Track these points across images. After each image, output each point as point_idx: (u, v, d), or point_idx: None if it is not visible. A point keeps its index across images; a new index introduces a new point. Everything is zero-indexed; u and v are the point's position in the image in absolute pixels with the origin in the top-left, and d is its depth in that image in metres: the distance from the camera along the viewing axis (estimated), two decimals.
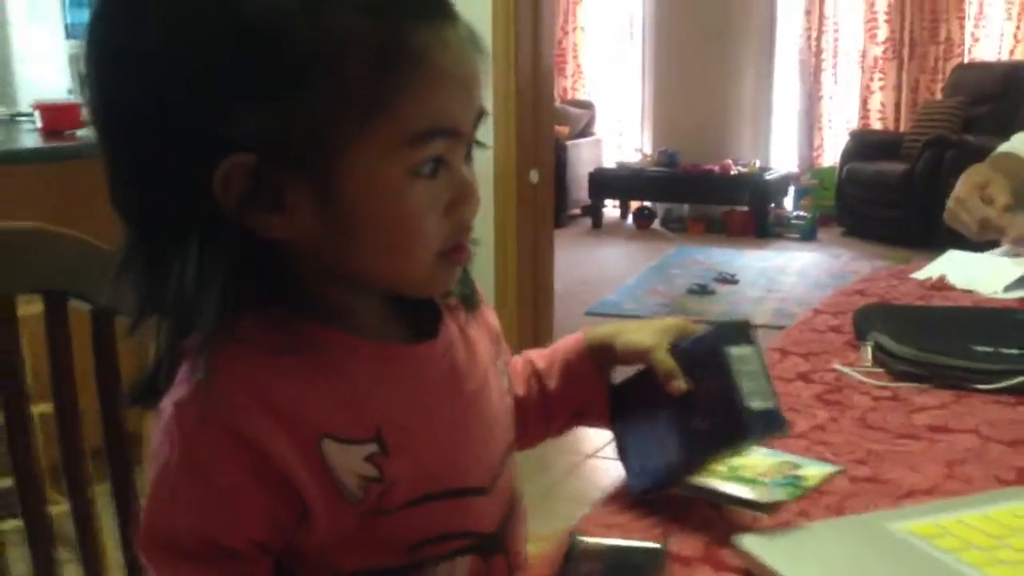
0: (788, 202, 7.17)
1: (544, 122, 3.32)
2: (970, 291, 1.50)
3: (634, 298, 4.97)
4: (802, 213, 6.87)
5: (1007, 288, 1.46)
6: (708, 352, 0.76)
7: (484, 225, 3.18)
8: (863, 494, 0.81)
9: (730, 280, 5.31)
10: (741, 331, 0.76)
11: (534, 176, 3.23)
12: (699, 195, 7.01)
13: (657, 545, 0.70)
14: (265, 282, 0.63)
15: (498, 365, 0.78)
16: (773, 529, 0.73)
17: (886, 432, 0.94)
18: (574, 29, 7.90)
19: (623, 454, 0.83)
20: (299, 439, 0.61)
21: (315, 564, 0.65)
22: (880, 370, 1.12)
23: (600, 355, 0.87)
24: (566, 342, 0.91)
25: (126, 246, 0.62)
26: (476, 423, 0.72)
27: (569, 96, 7.88)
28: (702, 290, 5.05)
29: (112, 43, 0.59)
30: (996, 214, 1.46)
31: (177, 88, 0.57)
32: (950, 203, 1.58)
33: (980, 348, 1.14)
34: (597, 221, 7.18)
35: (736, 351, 0.74)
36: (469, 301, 0.74)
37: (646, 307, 4.74)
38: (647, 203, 7.27)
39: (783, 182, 7.06)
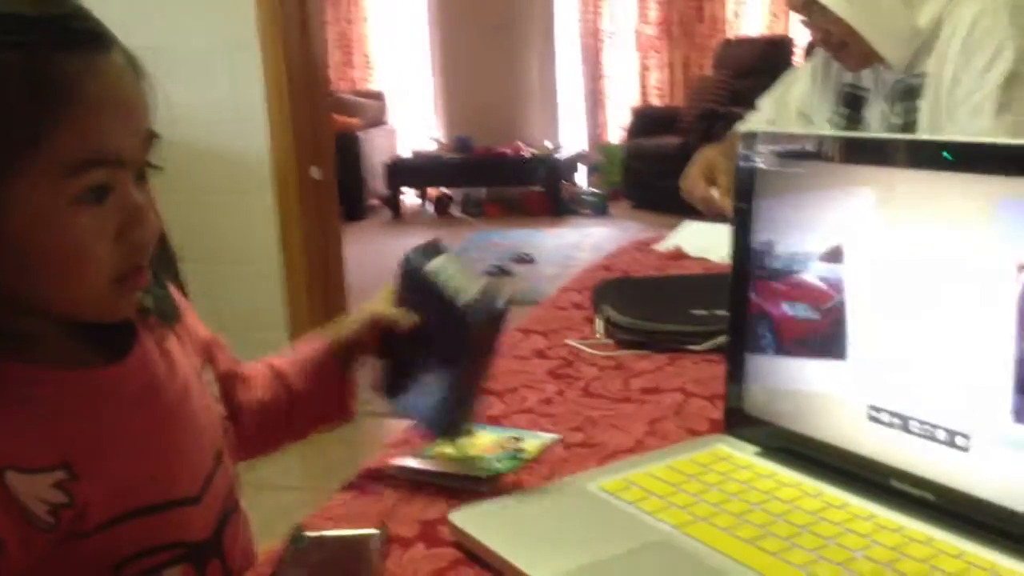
0: (580, 179, 7.43)
1: (321, 117, 3.29)
2: (703, 259, 1.64)
3: None
4: (594, 190, 7.14)
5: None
6: (415, 278, 0.84)
7: (268, 226, 3.14)
8: (574, 459, 0.88)
9: (527, 260, 5.46)
10: (428, 250, 0.85)
11: (315, 172, 3.20)
12: (495, 178, 7.15)
13: (375, 531, 0.74)
14: None
15: (204, 375, 0.81)
16: (483, 502, 0.79)
17: (604, 398, 1.03)
18: (359, 20, 7.85)
19: (416, 416, 0.88)
20: None
21: None
22: (610, 341, 1.21)
23: (343, 352, 0.93)
24: (311, 343, 0.95)
25: None
26: (179, 436, 0.74)
27: (359, 87, 7.83)
28: (500, 271, 5.17)
29: None
30: (719, 195, 1.60)
31: None
32: (681, 182, 1.71)
33: (696, 311, 1.25)
34: (396, 211, 7.20)
35: (431, 264, 0.83)
36: (166, 316, 0.76)
37: None
38: (445, 189, 7.35)
39: (573, 160, 7.31)
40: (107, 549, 0.67)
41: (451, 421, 0.85)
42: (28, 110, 0.59)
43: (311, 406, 0.95)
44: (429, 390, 0.86)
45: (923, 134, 1.51)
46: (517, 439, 0.93)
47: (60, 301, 0.65)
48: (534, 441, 0.92)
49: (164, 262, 0.76)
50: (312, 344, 0.96)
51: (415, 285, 0.85)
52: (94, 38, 0.62)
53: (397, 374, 0.91)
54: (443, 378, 0.84)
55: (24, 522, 0.62)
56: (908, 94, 1.56)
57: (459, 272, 0.83)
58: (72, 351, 0.69)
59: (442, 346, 0.84)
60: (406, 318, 0.87)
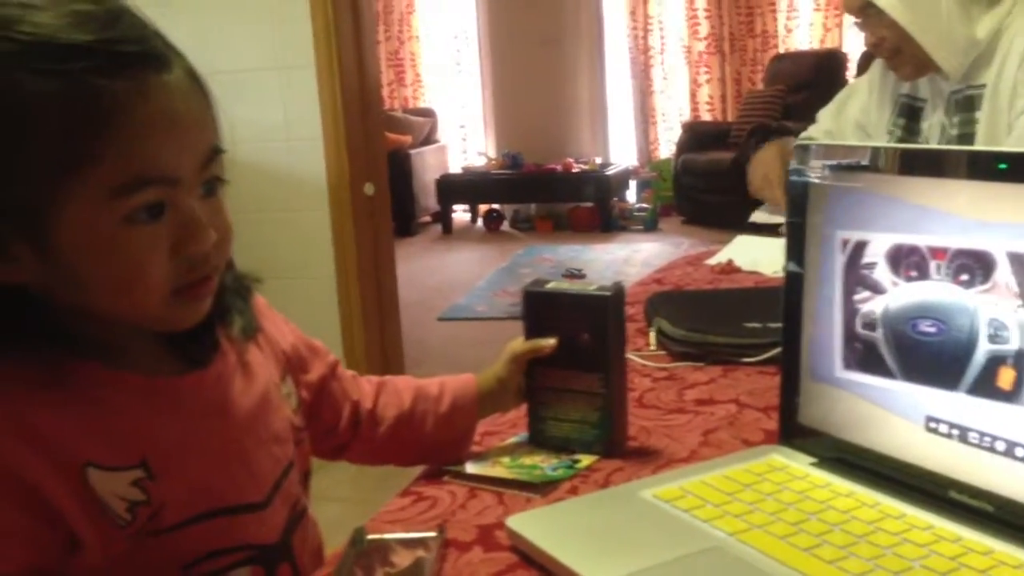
0: (630, 195, 7.42)
1: (375, 134, 3.34)
2: (754, 272, 1.63)
3: (484, 300, 5.06)
4: (644, 205, 7.13)
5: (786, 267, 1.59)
6: (541, 303, 0.94)
7: (322, 242, 3.19)
8: (629, 468, 0.89)
9: (577, 275, 5.47)
10: (537, 282, 0.95)
11: (369, 189, 3.25)
12: (545, 194, 7.17)
13: (433, 534, 0.76)
14: (29, 324, 0.65)
15: (282, 387, 0.83)
16: (539, 507, 0.80)
17: (658, 409, 1.03)
18: (410, 38, 7.95)
19: (580, 445, 0.93)
20: (62, 469, 0.63)
21: None
22: (663, 353, 1.22)
23: (483, 397, 0.97)
24: (458, 379, 0.98)
25: None
26: (250, 445, 0.76)
27: (410, 105, 7.92)
28: None
29: None
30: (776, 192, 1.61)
31: None
32: (758, 181, 1.71)
33: (750, 324, 1.25)
34: (447, 227, 7.25)
35: (550, 286, 0.94)
36: (248, 331, 0.79)
37: (496, 308, 4.83)
38: (495, 205, 7.39)
39: (623, 176, 7.31)
40: (178, 549, 0.69)
41: (614, 436, 0.92)
42: (71, 135, 0.60)
43: (439, 437, 0.96)
44: (576, 414, 0.93)
45: (980, 145, 1.50)
46: (572, 450, 0.94)
47: (121, 313, 0.67)
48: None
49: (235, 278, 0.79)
50: (459, 379, 0.98)
51: (545, 307, 0.94)
52: (145, 59, 0.63)
53: (540, 412, 0.95)
54: (591, 396, 0.91)
55: (102, 519, 0.65)
56: (966, 105, 1.55)
57: (573, 283, 0.95)
58: (156, 359, 0.72)
59: (589, 351, 0.91)
60: (547, 342, 0.92)
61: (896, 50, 1.54)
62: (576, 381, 0.92)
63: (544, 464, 0.91)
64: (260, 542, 0.75)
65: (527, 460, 0.92)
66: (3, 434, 0.62)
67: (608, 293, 0.90)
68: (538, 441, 0.95)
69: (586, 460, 0.91)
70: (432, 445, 0.95)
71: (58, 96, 0.60)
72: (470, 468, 0.90)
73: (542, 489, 0.85)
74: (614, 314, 0.91)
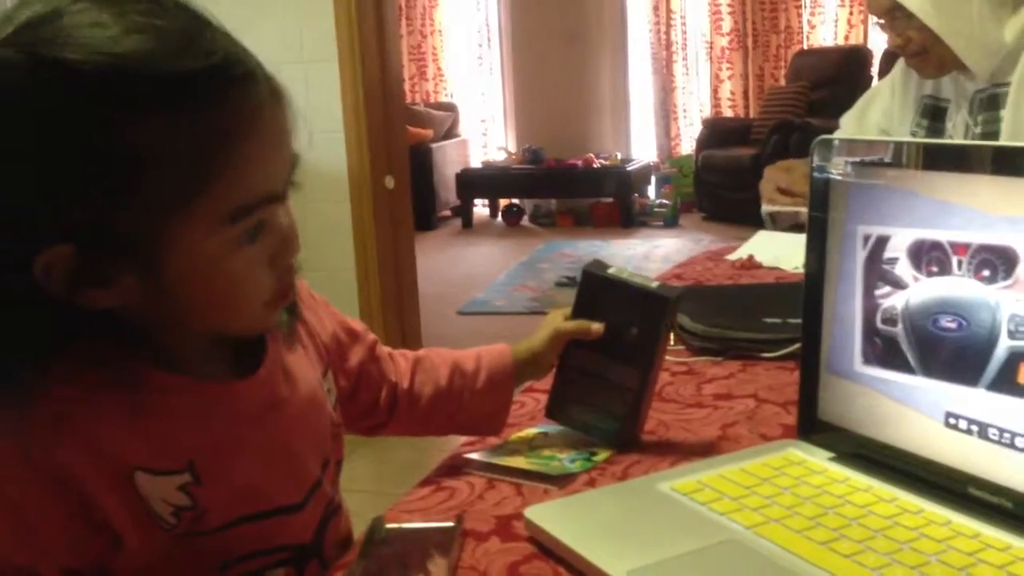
0: (651, 191, 7.40)
1: (396, 128, 3.35)
2: (775, 268, 1.63)
3: (504, 295, 5.06)
4: (664, 201, 7.11)
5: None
6: (597, 286, 0.93)
7: (343, 234, 3.20)
8: (647, 460, 0.89)
9: None
10: (599, 263, 0.94)
11: (390, 182, 3.26)
12: (565, 189, 7.17)
13: (450, 524, 0.77)
14: (92, 323, 0.65)
15: (324, 384, 0.83)
16: (557, 499, 0.81)
17: (677, 403, 1.03)
18: (432, 32, 7.96)
19: (596, 432, 0.93)
20: (111, 473, 0.64)
21: None
22: (683, 348, 1.22)
23: (520, 369, 0.97)
24: (494, 351, 0.97)
25: None
26: (294, 448, 0.76)
27: (432, 99, 7.93)
28: (571, 282, 5.17)
29: None
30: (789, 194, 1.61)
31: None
32: (771, 195, 1.72)
33: (769, 320, 1.25)
34: (467, 221, 7.26)
35: (611, 271, 0.93)
36: (290, 325, 0.79)
37: (516, 303, 4.83)
38: (515, 200, 7.39)
39: (644, 172, 7.29)
40: (217, 550, 0.70)
41: (631, 431, 0.92)
42: (188, 167, 0.60)
43: (475, 411, 0.96)
44: (602, 403, 0.92)
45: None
46: (590, 442, 0.94)
47: (214, 327, 0.69)
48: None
49: None
50: (495, 352, 0.97)
51: (600, 290, 0.92)
52: (244, 80, 0.62)
53: (567, 391, 0.95)
54: (622, 390, 0.91)
55: (148, 523, 0.65)
56: (990, 104, 1.54)
57: (634, 274, 0.92)
58: (207, 362, 0.72)
59: (632, 345, 0.91)
60: (595, 326, 0.92)
61: (921, 51, 1.53)
62: (612, 371, 0.92)
63: (562, 456, 0.91)
64: (295, 542, 0.75)
65: (545, 451, 0.92)
66: (59, 438, 0.62)
67: (671, 295, 0.89)
68: (555, 418, 0.95)
69: (603, 453, 0.91)
70: (469, 419, 0.96)
71: (171, 134, 0.59)
72: (488, 458, 0.90)
73: (560, 481, 0.85)
74: (670, 316, 0.90)
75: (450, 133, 7.61)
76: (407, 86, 7.55)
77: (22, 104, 0.57)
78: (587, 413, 0.94)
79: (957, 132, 1.60)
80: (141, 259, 0.61)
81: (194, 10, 0.62)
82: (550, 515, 0.76)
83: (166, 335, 0.68)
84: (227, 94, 0.61)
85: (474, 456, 0.91)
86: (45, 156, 0.57)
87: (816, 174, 0.86)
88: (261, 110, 0.63)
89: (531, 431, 0.98)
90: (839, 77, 6.44)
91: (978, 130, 1.55)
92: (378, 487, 2.73)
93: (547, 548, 0.73)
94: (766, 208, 1.75)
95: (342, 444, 0.87)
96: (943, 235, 0.75)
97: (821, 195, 0.86)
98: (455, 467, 0.90)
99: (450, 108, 7.78)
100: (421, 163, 6.41)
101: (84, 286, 0.61)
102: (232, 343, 0.74)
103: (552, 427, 0.98)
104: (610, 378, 0.92)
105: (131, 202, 0.59)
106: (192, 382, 0.69)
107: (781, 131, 6.07)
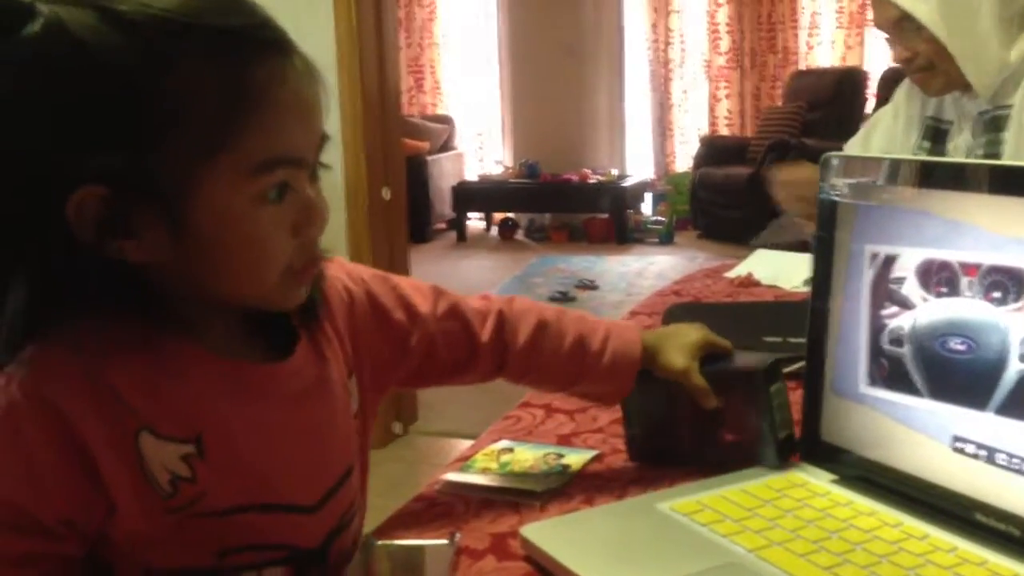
0: (646, 208, 7.40)
1: (393, 140, 3.34)
2: (774, 286, 1.62)
3: None
4: (659, 218, 7.10)
5: (806, 282, 1.58)
6: (752, 384, 0.88)
7: (337, 245, 3.18)
8: (644, 479, 0.88)
9: (590, 286, 5.45)
10: (776, 369, 0.88)
11: (386, 194, 3.25)
12: (560, 204, 7.16)
13: (444, 541, 0.75)
14: (125, 293, 0.66)
15: (349, 386, 0.80)
16: (555, 518, 0.79)
17: None
18: (431, 45, 7.97)
19: (630, 426, 0.94)
20: (117, 427, 0.64)
21: (125, 557, 0.68)
22: None
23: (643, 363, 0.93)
24: (621, 337, 0.92)
25: None
26: (314, 446, 0.75)
27: (429, 112, 7.93)
28: (563, 297, 5.17)
29: None
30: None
31: (34, 130, 0.61)
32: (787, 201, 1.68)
33: (769, 339, 1.24)
34: (462, 234, 7.24)
35: (774, 388, 0.87)
36: (313, 317, 0.77)
37: None
38: (510, 214, 7.38)
39: (640, 188, 7.29)
40: (219, 535, 0.69)
41: (644, 459, 0.92)
42: (220, 116, 0.62)
43: (586, 389, 0.94)
44: (657, 429, 0.93)
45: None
46: (559, 455, 0.93)
47: (237, 289, 0.68)
48: (575, 456, 0.93)
49: None
50: (624, 339, 0.92)
51: (749, 390, 0.88)
52: (279, 46, 0.65)
53: (645, 393, 0.93)
54: (687, 446, 0.91)
55: (143, 483, 0.65)
56: (993, 126, 1.53)
57: (786, 404, 0.88)
58: (235, 345, 0.72)
59: (715, 441, 0.90)
60: (711, 402, 0.89)
61: (928, 66, 1.52)
62: (683, 432, 0.92)
63: (534, 471, 0.90)
64: (301, 546, 0.73)
65: (515, 468, 0.91)
66: (75, 390, 0.63)
67: (776, 458, 0.86)
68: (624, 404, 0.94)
69: (575, 465, 0.90)
70: (588, 391, 0.94)
71: (210, 78, 0.61)
72: (464, 479, 0.89)
73: (544, 496, 0.84)
74: (763, 464, 0.87)
75: (446, 146, 7.61)
76: (405, 98, 7.55)
77: (75, 50, 0.60)
78: (639, 420, 0.93)
79: (959, 153, 1.60)
80: (168, 208, 0.63)
81: None
82: (547, 534, 0.74)
83: (194, 309, 0.69)
84: (262, 53, 0.64)
85: (449, 477, 0.89)
86: (87, 99, 0.60)
87: (823, 192, 0.85)
88: (292, 75, 0.65)
89: (495, 447, 0.96)
90: (835, 98, 6.47)
91: (980, 152, 1.54)
92: (368, 500, 2.70)
93: (544, 568, 0.71)
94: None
95: (367, 452, 0.85)
96: (953, 255, 0.74)
97: (828, 213, 0.84)
98: (449, 483, 0.88)
99: (447, 121, 7.78)
100: (417, 175, 6.40)
101: (113, 234, 0.63)
102: (264, 330, 0.74)
103: (515, 443, 0.97)
104: (677, 433, 0.92)
105: (162, 148, 0.61)
106: (215, 358, 0.69)
107: (777, 150, 6.08)
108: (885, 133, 1.76)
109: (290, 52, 0.66)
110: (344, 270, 0.85)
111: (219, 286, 0.67)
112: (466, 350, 0.89)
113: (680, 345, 0.91)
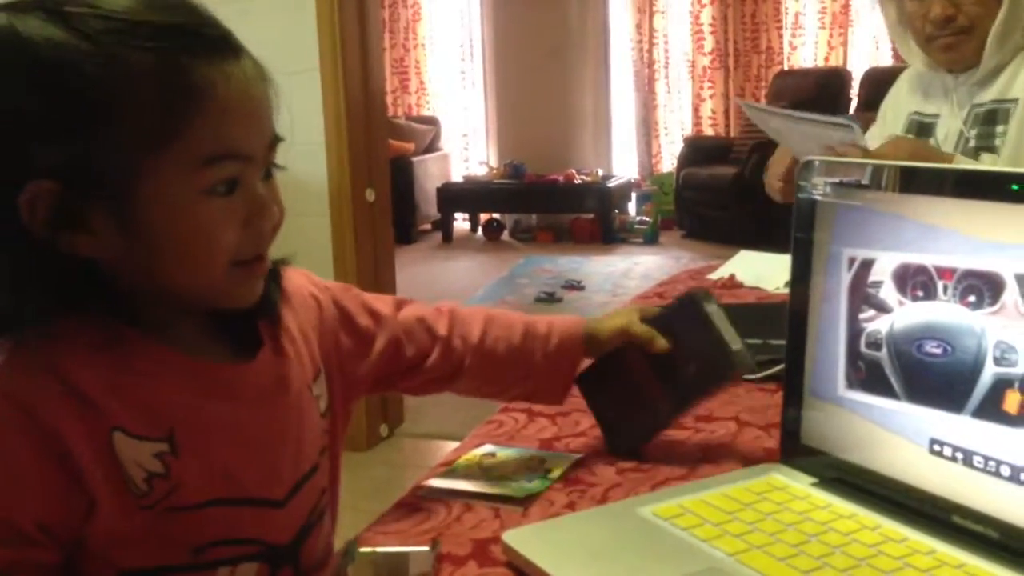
0: (631, 208, 7.41)
1: (378, 141, 3.33)
2: (756, 288, 1.63)
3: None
4: (644, 218, 7.12)
5: (788, 283, 1.58)
6: (688, 313, 0.92)
7: (322, 247, 3.18)
8: (627, 484, 0.88)
9: (576, 287, 5.46)
10: (707, 295, 0.93)
11: (371, 195, 3.24)
12: (546, 205, 7.17)
13: (426, 548, 0.75)
14: (87, 291, 0.67)
15: (314, 388, 0.82)
16: (536, 524, 0.79)
17: None
18: (415, 46, 7.96)
19: (604, 425, 0.97)
20: (92, 426, 0.65)
21: (99, 560, 0.68)
22: None
23: (587, 346, 0.97)
24: (564, 324, 0.97)
25: None
26: (278, 442, 0.76)
27: (414, 113, 7.92)
28: (550, 298, 5.17)
29: None
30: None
31: None
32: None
33: (751, 341, 1.24)
34: (447, 235, 7.24)
35: (710, 308, 0.92)
36: (272, 316, 0.78)
37: None
38: (496, 215, 7.38)
39: (625, 189, 7.30)
40: (192, 530, 0.70)
41: (634, 446, 0.93)
42: (164, 109, 0.63)
43: (539, 378, 0.96)
44: (626, 409, 0.94)
45: (1005, 160, 1.50)
46: (542, 459, 0.93)
47: (188, 283, 0.69)
48: (557, 460, 0.93)
49: None
50: (568, 320, 0.98)
51: (689, 319, 0.92)
52: (225, 46, 0.67)
53: (604, 381, 0.96)
54: (660, 402, 0.93)
55: (120, 485, 0.66)
56: (988, 119, 1.54)
57: (728, 322, 0.92)
58: (202, 345, 0.73)
59: (680, 379, 0.92)
60: (660, 342, 0.92)
61: (967, 28, 1.52)
62: (651, 389, 0.93)
63: (516, 475, 0.90)
64: (271, 541, 0.75)
65: (498, 472, 0.91)
66: (48, 390, 0.64)
67: (741, 364, 0.90)
68: (585, 392, 0.98)
69: (557, 470, 0.90)
70: (537, 383, 0.97)
71: (153, 72, 0.63)
72: (446, 484, 0.89)
73: (526, 502, 0.84)
74: (730, 379, 0.92)
75: (431, 147, 7.60)
76: (389, 99, 7.54)
77: (21, 47, 0.62)
78: (609, 409, 0.95)
79: (948, 141, 1.61)
80: (116, 199, 0.65)
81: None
82: (528, 540, 0.74)
83: (162, 310, 0.70)
84: (206, 51, 0.66)
85: (432, 483, 0.89)
86: (32, 94, 0.62)
87: (801, 195, 0.85)
88: (237, 73, 0.67)
89: (477, 452, 0.96)
90: (819, 98, 6.48)
91: (972, 144, 1.56)
92: (353, 502, 2.70)
93: (526, 574, 0.71)
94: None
95: (338, 453, 0.87)
96: (929, 259, 0.74)
97: (806, 216, 0.85)
98: (431, 488, 0.88)
99: (432, 122, 7.77)
100: (402, 176, 6.39)
101: (65, 228, 0.64)
102: (230, 332, 0.75)
103: (498, 447, 0.97)
104: (646, 394, 0.93)
105: (107, 141, 0.63)
106: (183, 358, 0.71)
107: (761, 150, 6.10)
108: (875, 138, 1.77)
109: (236, 52, 0.68)
110: (310, 280, 0.88)
111: (171, 279, 0.69)
112: (428, 345, 0.92)
113: (614, 313, 0.99)
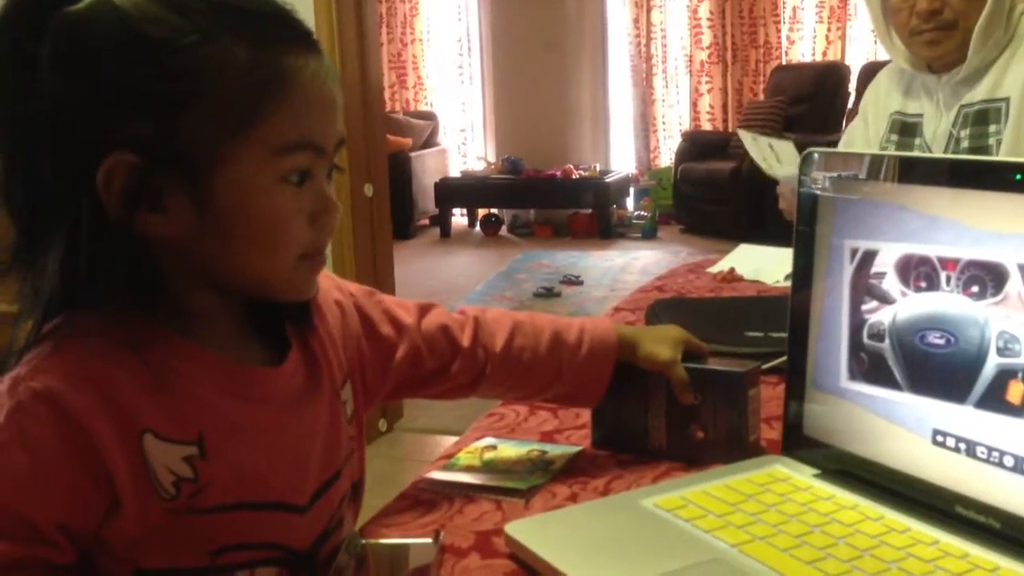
0: (629, 203, 7.41)
1: (376, 136, 3.33)
2: (756, 281, 1.63)
3: (481, 304, 5.01)
4: (642, 213, 7.12)
5: (788, 277, 1.58)
6: (728, 384, 0.90)
7: None
8: (629, 475, 0.88)
9: (575, 281, 5.46)
10: (755, 374, 0.91)
11: (368, 190, 3.24)
12: (544, 200, 7.16)
13: (429, 540, 0.75)
14: (134, 287, 0.66)
15: (342, 394, 0.81)
16: (539, 515, 0.79)
17: None
18: (413, 41, 7.94)
19: (596, 419, 0.96)
20: (123, 428, 0.64)
21: (116, 559, 0.68)
22: None
23: (620, 353, 0.94)
24: (597, 331, 0.94)
25: (13, 243, 0.66)
26: (306, 447, 0.75)
27: (411, 108, 7.91)
28: (548, 292, 5.17)
29: (5, 47, 0.64)
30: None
31: (71, 95, 0.63)
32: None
33: (752, 333, 1.24)
34: (445, 230, 7.24)
35: (752, 392, 0.90)
36: (306, 318, 0.78)
37: None
38: (494, 210, 7.38)
39: (623, 184, 7.30)
40: (212, 532, 0.69)
41: (618, 451, 0.94)
42: (253, 92, 0.64)
43: (567, 386, 0.94)
44: (628, 417, 0.94)
45: (1003, 156, 1.50)
46: (543, 452, 0.93)
47: (254, 270, 0.69)
48: (558, 452, 0.93)
49: None
50: (599, 330, 0.94)
51: (724, 390, 0.90)
52: (310, 40, 0.68)
53: (617, 382, 0.94)
54: (658, 439, 0.92)
55: (147, 488, 0.65)
56: (979, 119, 1.54)
57: (758, 409, 0.91)
58: (236, 346, 0.73)
59: (687, 434, 0.91)
60: (688, 397, 0.91)
61: (951, 24, 1.52)
62: (656, 422, 0.92)
63: (517, 468, 0.90)
64: (292, 546, 0.74)
65: (499, 465, 0.91)
66: (82, 390, 0.63)
67: (743, 455, 0.88)
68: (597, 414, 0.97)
69: (558, 462, 0.90)
70: (567, 389, 0.94)
71: (247, 54, 0.64)
72: (447, 477, 0.89)
73: (528, 494, 0.84)
74: (730, 460, 0.88)
75: (429, 142, 7.59)
76: (387, 94, 7.52)
77: (119, 21, 0.63)
78: (609, 409, 0.94)
79: (937, 143, 1.60)
80: (195, 180, 0.65)
81: None
82: (531, 531, 0.74)
83: (202, 300, 0.70)
84: (293, 43, 0.67)
85: (434, 476, 0.89)
86: (123, 68, 0.62)
87: (803, 188, 0.85)
88: (322, 68, 0.68)
89: (478, 445, 0.96)
90: (817, 92, 6.50)
91: (966, 144, 1.55)
92: None
93: (528, 565, 0.71)
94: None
95: (361, 459, 0.85)
96: (931, 250, 0.74)
97: (808, 208, 0.85)
98: (432, 481, 0.88)
99: (430, 117, 7.76)
100: (400, 172, 6.38)
101: (140, 207, 0.64)
102: (261, 335, 0.75)
103: (499, 440, 0.97)
104: (649, 422, 0.93)
105: (193, 119, 0.63)
106: (216, 358, 0.70)
107: None
108: (862, 139, 1.77)
109: (317, 48, 0.69)
110: (334, 283, 0.86)
111: (237, 266, 0.69)
112: (449, 355, 0.90)
113: (663, 338, 0.94)
